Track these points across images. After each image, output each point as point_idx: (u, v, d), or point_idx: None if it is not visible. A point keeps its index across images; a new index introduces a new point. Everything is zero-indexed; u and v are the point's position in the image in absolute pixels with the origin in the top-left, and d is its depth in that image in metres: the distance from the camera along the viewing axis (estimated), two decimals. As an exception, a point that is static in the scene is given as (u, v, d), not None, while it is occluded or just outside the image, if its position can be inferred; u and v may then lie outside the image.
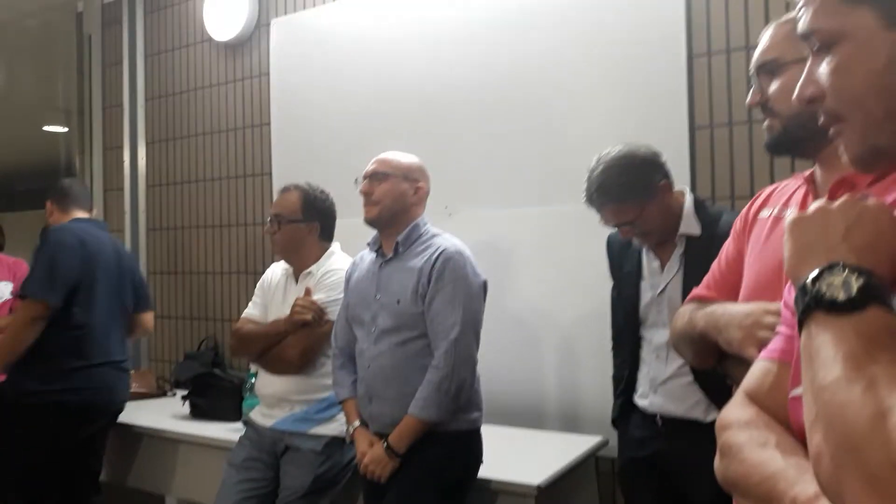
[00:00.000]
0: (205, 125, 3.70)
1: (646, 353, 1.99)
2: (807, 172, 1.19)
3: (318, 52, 3.25)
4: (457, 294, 1.96)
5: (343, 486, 2.28)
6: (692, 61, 2.38)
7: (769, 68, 1.20)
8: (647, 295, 1.97)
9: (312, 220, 2.39)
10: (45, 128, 4.95)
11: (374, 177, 2.08)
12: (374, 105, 3.06)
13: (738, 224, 1.33)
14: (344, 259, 2.39)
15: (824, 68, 0.76)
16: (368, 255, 2.18)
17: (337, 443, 2.26)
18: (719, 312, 1.19)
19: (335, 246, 2.46)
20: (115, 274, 2.74)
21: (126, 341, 2.83)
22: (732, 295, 1.25)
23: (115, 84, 4.03)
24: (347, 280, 2.22)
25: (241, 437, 2.42)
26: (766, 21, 2.15)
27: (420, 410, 1.93)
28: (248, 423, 2.43)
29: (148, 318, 2.95)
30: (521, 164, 2.69)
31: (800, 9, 0.79)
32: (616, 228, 1.97)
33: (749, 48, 2.27)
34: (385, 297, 2.04)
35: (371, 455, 1.97)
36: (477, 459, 2.05)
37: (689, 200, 1.93)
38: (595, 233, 2.31)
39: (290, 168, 3.32)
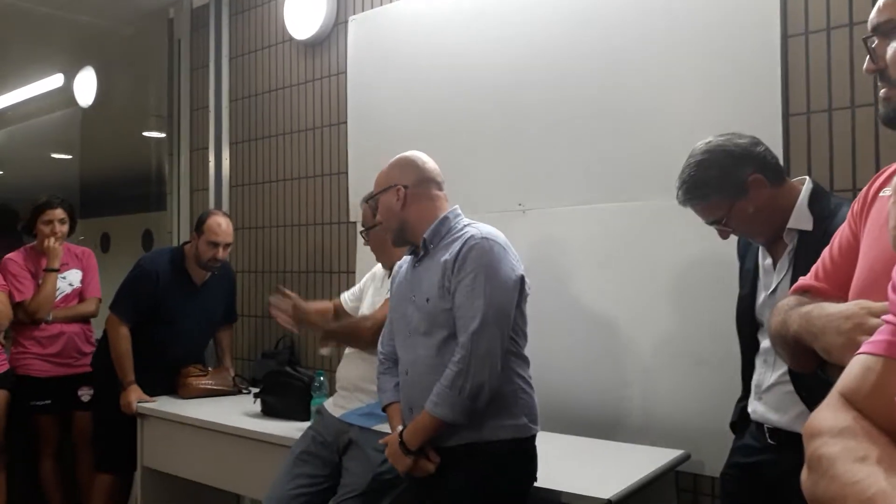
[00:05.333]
0: (284, 125, 3.73)
1: (757, 357, 1.81)
2: None
3: (394, 49, 3.19)
4: (478, 282, 1.79)
5: (405, 490, 2.20)
6: (787, 42, 2.17)
7: (885, 30, 1.03)
8: (761, 295, 1.79)
9: None
10: (145, 133, 5.15)
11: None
12: (448, 102, 2.98)
13: (855, 205, 1.15)
14: None
15: None
16: (409, 257, 2.11)
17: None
18: (815, 314, 1.03)
19: None
20: None
21: None
22: (845, 286, 1.09)
23: (202, 87, 4.13)
24: (391, 284, 2.16)
25: (308, 427, 2.44)
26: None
27: (433, 406, 1.80)
28: (319, 412, 2.45)
29: None
30: (602, 158, 2.53)
31: None
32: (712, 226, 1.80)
33: (853, 25, 2.05)
34: (418, 296, 1.93)
35: (389, 449, 1.90)
36: (528, 472, 1.89)
37: (805, 192, 1.71)
38: (688, 231, 2.15)
39: (366, 167, 3.29)
